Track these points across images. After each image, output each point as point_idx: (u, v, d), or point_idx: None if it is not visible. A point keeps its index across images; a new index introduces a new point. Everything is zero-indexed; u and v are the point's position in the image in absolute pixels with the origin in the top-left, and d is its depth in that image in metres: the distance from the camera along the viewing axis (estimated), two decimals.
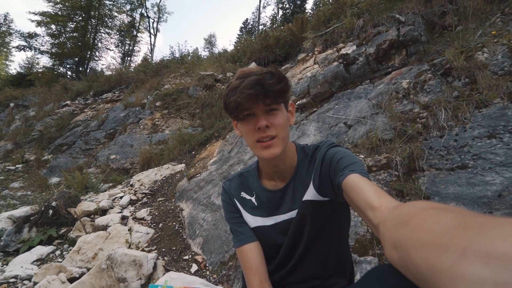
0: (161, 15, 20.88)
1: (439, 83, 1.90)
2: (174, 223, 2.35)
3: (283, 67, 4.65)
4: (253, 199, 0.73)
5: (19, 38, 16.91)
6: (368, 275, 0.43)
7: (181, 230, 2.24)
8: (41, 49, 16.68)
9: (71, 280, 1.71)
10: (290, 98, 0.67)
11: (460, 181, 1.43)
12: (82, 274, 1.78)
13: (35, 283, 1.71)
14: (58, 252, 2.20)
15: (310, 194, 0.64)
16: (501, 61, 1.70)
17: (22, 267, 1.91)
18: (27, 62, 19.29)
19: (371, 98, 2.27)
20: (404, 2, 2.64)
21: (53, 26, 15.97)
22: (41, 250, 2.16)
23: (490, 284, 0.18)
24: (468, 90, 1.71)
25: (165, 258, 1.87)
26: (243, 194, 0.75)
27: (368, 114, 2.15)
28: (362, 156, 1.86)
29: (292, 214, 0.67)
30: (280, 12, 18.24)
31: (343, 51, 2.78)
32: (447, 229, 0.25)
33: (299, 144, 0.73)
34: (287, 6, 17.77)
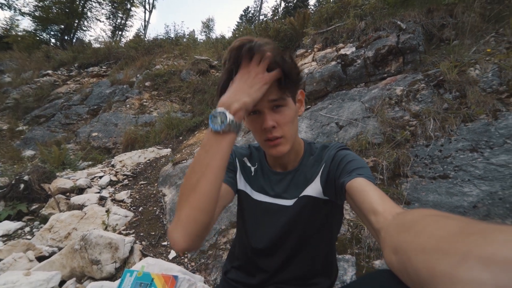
0: None
1: (431, 94, 1.95)
2: (155, 208, 2.29)
3: None
4: (252, 168, 0.73)
5: None
6: (364, 278, 0.43)
7: (161, 216, 2.19)
8: (22, 10, 15.35)
9: (40, 259, 1.62)
10: (300, 86, 0.64)
11: (440, 190, 1.49)
12: (53, 253, 1.70)
13: None
14: (27, 229, 2.09)
15: (313, 190, 0.64)
16: (490, 79, 1.76)
17: None
18: (5, 23, 17.73)
19: (365, 102, 2.29)
20: (407, 9, 2.66)
21: None
22: (8, 226, 2.03)
23: (490, 287, 0.18)
24: (457, 104, 1.77)
25: (143, 242, 1.82)
26: (245, 160, 0.75)
27: (360, 116, 2.17)
28: None
29: (284, 202, 0.66)
30: (283, 4, 17.94)
31: (342, 52, 2.77)
32: (449, 235, 0.25)
33: (306, 140, 0.73)
34: None
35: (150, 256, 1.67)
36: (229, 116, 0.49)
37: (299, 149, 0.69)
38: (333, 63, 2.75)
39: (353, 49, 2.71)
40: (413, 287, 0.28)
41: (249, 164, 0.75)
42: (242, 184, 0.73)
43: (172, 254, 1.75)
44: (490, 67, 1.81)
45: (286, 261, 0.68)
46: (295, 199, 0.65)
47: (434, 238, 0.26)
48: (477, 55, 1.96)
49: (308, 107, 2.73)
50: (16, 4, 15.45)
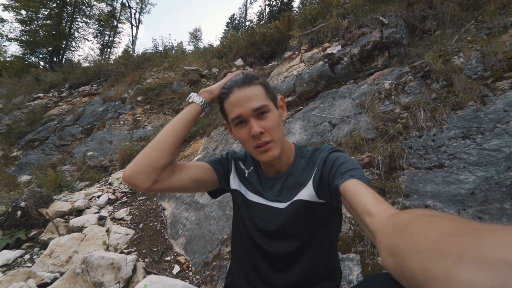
0: (143, 6, 20.02)
1: (419, 85, 1.98)
2: (155, 223, 2.27)
3: (269, 65, 4.63)
4: (246, 171, 0.76)
5: None
6: (364, 282, 0.43)
7: (163, 230, 2.17)
8: (9, 36, 15.35)
9: (42, 286, 1.59)
10: (278, 94, 0.68)
11: (437, 180, 1.50)
12: (55, 279, 1.66)
13: None
14: (27, 257, 2.05)
15: (307, 194, 0.64)
16: (474, 65, 1.79)
17: None
18: None
19: (355, 98, 2.31)
20: (388, 4, 2.72)
21: (23, 12, 14.73)
22: (7, 255, 1.99)
23: None
24: (445, 93, 1.79)
25: (146, 259, 1.80)
26: (240, 163, 0.78)
27: (352, 113, 2.19)
28: None
29: (278, 205, 0.67)
30: (267, 9, 18.19)
31: (328, 51, 2.81)
32: (444, 236, 0.25)
33: (297, 144, 0.74)
34: (274, 3, 17.73)
35: (153, 273, 1.65)
36: (192, 94, 0.69)
37: (289, 153, 0.70)
38: (321, 62, 2.78)
39: (339, 47, 2.74)
40: None
41: (243, 167, 0.77)
42: (236, 184, 0.75)
43: (176, 269, 1.73)
44: (473, 54, 1.85)
45: (286, 266, 0.67)
46: (289, 202, 0.65)
47: (428, 239, 0.26)
48: (459, 43, 1.99)
49: (300, 108, 2.74)
50: (2, 31, 15.41)
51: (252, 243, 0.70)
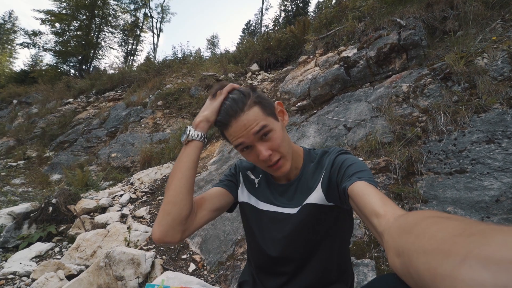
0: (164, 15, 20.99)
1: (438, 88, 1.91)
2: None
3: (284, 69, 4.67)
4: (256, 181, 0.75)
5: (24, 36, 17.06)
6: (371, 283, 0.43)
7: None
8: (45, 47, 16.80)
9: (70, 277, 1.72)
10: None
11: (458, 186, 1.44)
12: (81, 271, 1.79)
13: (33, 280, 1.72)
14: (57, 249, 2.21)
15: (316, 197, 0.64)
16: (500, 66, 1.70)
17: (21, 263, 1.92)
18: (30, 60, 19.45)
19: (371, 101, 2.28)
20: (406, 6, 2.66)
21: (57, 25, 16.07)
22: (40, 247, 2.17)
23: (489, 287, 0.18)
24: (467, 95, 1.72)
25: (163, 257, 1.88)
26: (249, 173, 0.78)
27: (367, 117, 2.16)
28: (361, 159, 1.87)
29: (289, 210, 0.67)
30: (283, 14, 18.30)
31: (344, 54, 2.79)
32: (450, 236, 0.25)
33: (306, 147, 0.74)
34: (290, 8, 17.81)
35: (170, 269, 1.71)
36: (189, 129, 0.65)
37: (298, 158, 0.70)
38: (336, 66, 2.76)
39: (355, 50, 2.72)
40: None
41: (252, 177, 0.77)
42: (245, 197, 0.75)
43: (192, 267, 1.79)
44: (499, 55, 1.76)
45: (298, 269, 0.68)
46: (299, 207, 0.65)
47: (435, 239, 0.26)
48: (483, 43, 1.90)
49: (314, 111, 2.74)
50: (40, 42, 16.90)
51: (264, 250, 0.70)
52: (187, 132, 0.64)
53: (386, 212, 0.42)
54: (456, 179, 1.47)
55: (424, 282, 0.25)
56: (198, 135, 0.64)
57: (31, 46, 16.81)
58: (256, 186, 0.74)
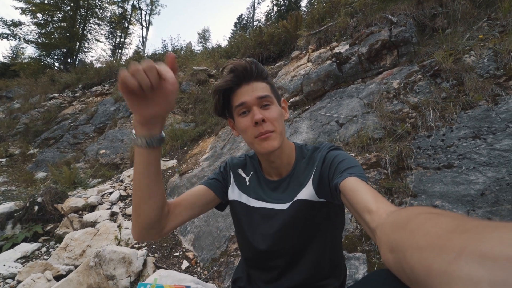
0: (153, 8, 20.40)
1: (428, 84, 1.95)
2: None
3: (277, 64, 4.65)
4: (247, 178, 0.75)
5: (2, 26, 16.16)
6: (364, 279, 0.44)
7: None
8: (26, 39, 16.00)
9: (58, 278, 1.67)
10: (282, 96, 0.68)
11: (445, 180, 1.48)
12: (70, 271, 1.74)
13: (18, 282, 1.66)
14: (44, 249, 2.15)
15: (307, 193, 0.64)
16: (486, 64, 1.75)
17: (5, 265, 1.85)
18: (11, 52, 18.50)
19: (363, 98, 2.30)
20: (397, 3, 2.68)
21: (39, 15, 15.31)
22: (25, 248, 2.10)
23: (485, 283, 0.18)
24: (455, 92, 1.76)
25: (156, 254, 1.86)
26: (240, 171, 0.77)
27: (359, 113, 2.18)
28: (353, 155, 1.89)
29: (280, 206, 0.67)
30: (275, 9, 18.15)
31: (336, 50, 2.80)
32: (444, 232, 0.25)
33: (297, 143, 0.74)
34: (282, 2, 17.68)
35: (163, 267, 1.70)
36: (133, 133, 0.56)
37: (290, 153, 0.70)
38: (328, 62, 2.77)
39: (347, 46, 2.73)
40: (410, 285, 0.28)
41: (243, 175, 0.76)
42: (235, 195, 0.74)
43: (185, 264, 1.78)
44: (485, 52, 1.80)
45: (290, 264, 0.68)
46: (290, 203, 0.66)
47: (429, 235, 0.26)
48: (471, 41, 1.95)
49: (307, 107, 2.75)
50: (20, 34, 16.07)
51: (254, 245, 0.70)
52: (134, 141, 0.55)
53: (378, 208, 0.42)
54: (444, 174, 1.51)
55: (418, 278, 0.25)
56: (140, 141, 0.53)
57: (11, 38, 15.96)
58: (247, 184, 0.74)
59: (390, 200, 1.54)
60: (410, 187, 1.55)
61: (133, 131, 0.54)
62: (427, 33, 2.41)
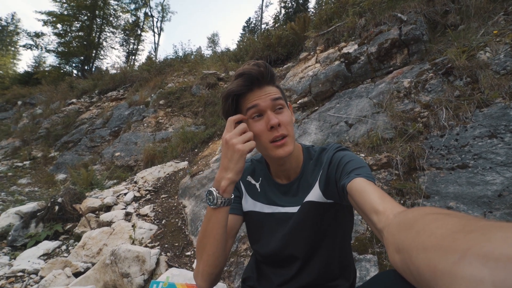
0: (165, 15, 20.98)
1: (440, 83, 1.90)
2: (176, 220, 2.39)
3: (285, 66, 4.66)
4: (257, 185, 0.75)
5: (26, 37, 17.22)
6: (372, 279, 0.44)
7: (183, 227, 2.28)
8: (47, 48, 16.93)
9: (77, 274, 1.76)
10: (290, 97, 0.70)
11: (460, 181, 1.44)
12: (87, 268, 1.82)
13: (41, 277, 1.76)
14: (64, 247, 2.26)
15: (314, 195, 0.65)
16: (503, 60, 1.69)
17: (29, 261, 1.97)
18: (34, 61, 19.62)
19: (372, 97, 2.27)
20: (406, 1, 2.63)
21: (59, 26, 16.16)
22: (47, 245, 2.22)
23: (488, 283, 0.18)
24: (469, 90, 1.70)
25: (168, 254, 1.91)
26: (249, 178, 0.77)
27: (369, 113, 2.15)
28: (363, 155, 1.87)
29: (292, 209, 0.68)
30: (283, 11, 18.17)
31: (344, 50, 2.78)
32: (450, 233, 0.25)
33: (304, 144, 0.74)
34: (290, 5, 17.67)
35: (175, 266, 1.74)
36: (217, 196, 0.60)
37: (298, 155, 0.70)
38: (337, 62, 2.75)
39: (356, 46, 2.71)
40: (416, 285, 0.28)
41: (253, 182, 0.76)
42: (250, 205, 0.74)
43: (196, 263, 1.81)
44: (502, 48, 1.74)
45: (301, 266, 0.68)
46: (300, 205, 0.66)
47: (434, 236, 0.26)
48: (486, 37, 1.88)
49: (316, 108, 2.74)
50: (42, 44, 17.04)
51: (269, 250, 0.71)
52: (214, 201, 0.60)
53: (385, 209, 0.42)
54: (458, 174, 1.47)
55: (424, 278, 0.25)
56: (225, 201, 0.60)
57: (34, 48, 16.96)
58: (259, 190, 0.74)
59: (402, 202, 1.51)
60: (422, 188, 1.52)
61: (217, 194, 0.60)
62: (439, 30, 2.35)
